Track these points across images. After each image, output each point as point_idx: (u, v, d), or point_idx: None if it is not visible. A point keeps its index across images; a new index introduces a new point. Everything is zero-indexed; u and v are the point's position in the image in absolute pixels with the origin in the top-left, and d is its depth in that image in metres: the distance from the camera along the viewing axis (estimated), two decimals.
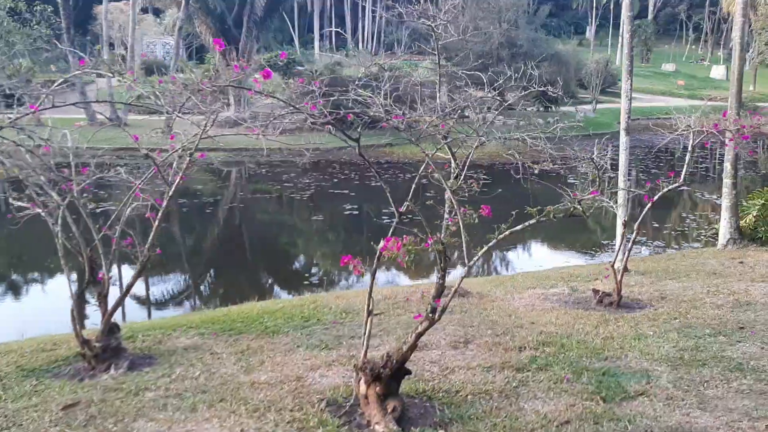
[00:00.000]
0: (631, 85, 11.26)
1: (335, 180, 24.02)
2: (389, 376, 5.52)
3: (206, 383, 6.55)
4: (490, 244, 5.20)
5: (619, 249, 9.36)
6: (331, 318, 8.76)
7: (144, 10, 52.68)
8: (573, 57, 40.44)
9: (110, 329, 7.58)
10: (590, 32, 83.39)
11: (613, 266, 9.17)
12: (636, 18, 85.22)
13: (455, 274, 13.49)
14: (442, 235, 5.51)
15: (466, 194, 5.84)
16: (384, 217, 16.77)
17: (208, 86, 4.76)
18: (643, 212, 9.37)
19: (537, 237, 18.51)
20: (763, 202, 14.20)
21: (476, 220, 5.55)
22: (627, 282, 10.64)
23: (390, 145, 27.63)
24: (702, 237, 17.32)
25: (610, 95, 50.18)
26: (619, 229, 10.87)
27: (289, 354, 7.34)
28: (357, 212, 20.19)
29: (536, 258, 16.53)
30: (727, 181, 13.94)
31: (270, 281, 15.16)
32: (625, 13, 11.19)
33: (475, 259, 5.24)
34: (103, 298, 7.65)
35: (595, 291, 9.45)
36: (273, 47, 56.87)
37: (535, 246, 17.87)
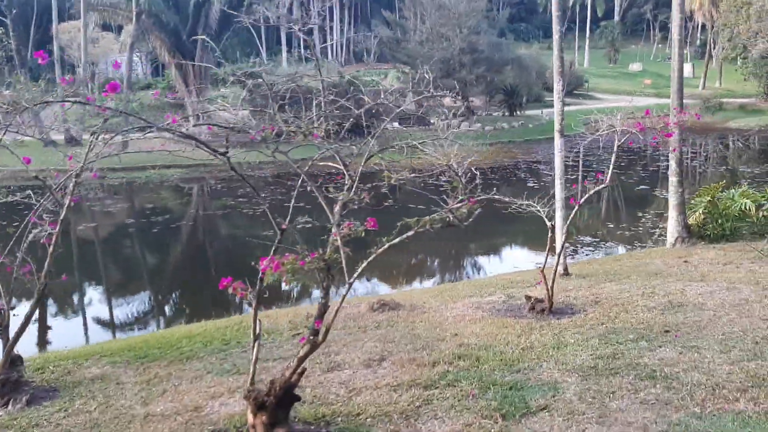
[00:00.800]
0: (562, 86, 11.08)
1: (293, 193, 23.61)
2: (275, 404, 5.21)
3: (99, 417, 6.21)
4: (370, 259, 4.93)
5: (547, 254, 9.12)
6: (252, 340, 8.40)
7: (107, 28, 52.07)
8: (535, 60, 40.47)
9: (12, 361, 7.22)
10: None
11: (542, 271, 8.94)
12: (603, 19, 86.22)
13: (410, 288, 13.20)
14: (327, 251, 5.23)
15: (356, 206, 5.58)
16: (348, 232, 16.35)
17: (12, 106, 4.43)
18: (570, 216, 9.15)
19: (504, 242, 18.30)
20: (709, 198, 14.10)
21: (362, 234, 5.29)
22: (565, 286, 10.45)
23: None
24: (655, 236, 17.18)
25: (578, 97, 50.45)
26: (558, 235, 10.64)
27: (195, 381, 7.00)
28: (309, 226, 19.80)
29: (490, 264, 16.32)
30: (672, 179, 13.82)
31: (210, 300, 14.72)
32: (554, 13, 11.03)
33: (354, 276, 4.96)
34: (3, 330, 7.31)
35: (528, 297, 9.21)
36: (240, 60, 56.44)
37: (494, 252, 17.64)
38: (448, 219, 4.58)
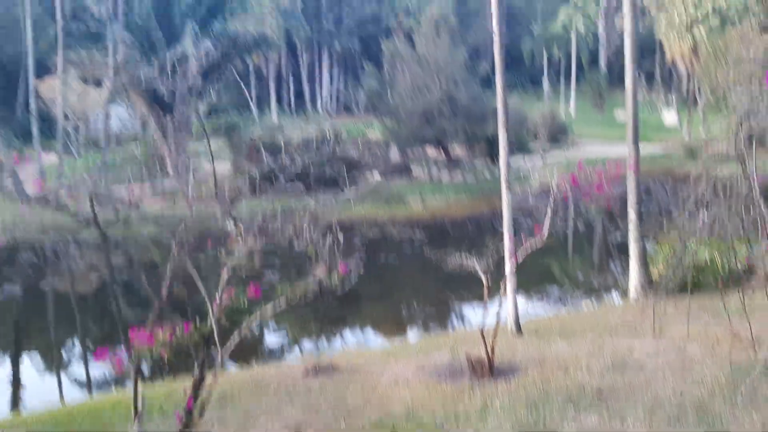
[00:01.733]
0: (506, 135, 10.99)
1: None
2: None
3: None
4: (241, 331, 4.67)
5: (484, 311, 8.83)
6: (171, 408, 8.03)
7: (97, 83, 52.51)
8: (516, 110, 40.76)
9: None
10: (545, 84, 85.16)
11: (481, 332, 8.64)
12: (589, 65, 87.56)
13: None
14: (211, 320, 4.98)
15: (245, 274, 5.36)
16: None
17: None
18: (510, 272, 8.91)
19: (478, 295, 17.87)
20: (670, 249, 13.83)
21: (245, 304, 5.05)
22: (514, 345, 10.14)
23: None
24: (623, 287, 16.86)
25: (561, 146, 50.86)
26: (509, 288, 10.33)
27: None
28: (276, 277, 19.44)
29: (455, 319, 15.99)
30: (631, 228, 13.56)
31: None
32: (497, 64, 11.03)
33: (228, 349, 4.69)
34: None
35: (468, 359, 8.87)
36: (230, 113, 56.92)
37: (465, 305, 17.21)
38: (319, 288, 4.35)
